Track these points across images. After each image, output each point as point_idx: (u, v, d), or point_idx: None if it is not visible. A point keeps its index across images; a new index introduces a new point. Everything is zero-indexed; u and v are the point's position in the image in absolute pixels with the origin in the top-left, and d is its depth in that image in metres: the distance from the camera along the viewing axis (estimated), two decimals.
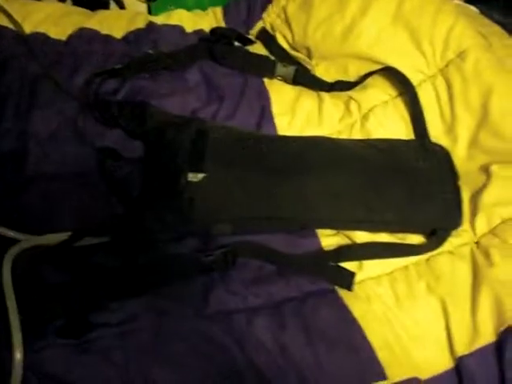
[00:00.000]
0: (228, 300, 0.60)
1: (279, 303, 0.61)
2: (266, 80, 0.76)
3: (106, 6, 0.87)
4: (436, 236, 0.64)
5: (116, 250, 0.62)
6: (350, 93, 0.74)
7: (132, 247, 0.62)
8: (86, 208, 0.64)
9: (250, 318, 0.59)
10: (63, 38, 0.77)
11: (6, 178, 0.65)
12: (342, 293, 0.63)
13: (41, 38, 0.76)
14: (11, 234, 0.60)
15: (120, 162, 0.67)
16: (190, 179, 0.62)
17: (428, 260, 0.63)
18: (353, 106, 0.74)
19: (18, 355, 0.54)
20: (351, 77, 0.75)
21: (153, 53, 0.76)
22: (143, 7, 0.87)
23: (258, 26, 0.83)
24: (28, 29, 0.76)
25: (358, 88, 0.74)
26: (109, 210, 0.64)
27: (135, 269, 0.61)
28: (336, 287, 0.63)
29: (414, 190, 0.66)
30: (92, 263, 0.61)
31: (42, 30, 0.77)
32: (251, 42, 0.81)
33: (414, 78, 0.71)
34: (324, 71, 0.77)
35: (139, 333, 0.58)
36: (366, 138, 0.72)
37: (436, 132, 0.70)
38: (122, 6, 0.87)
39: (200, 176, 0.62)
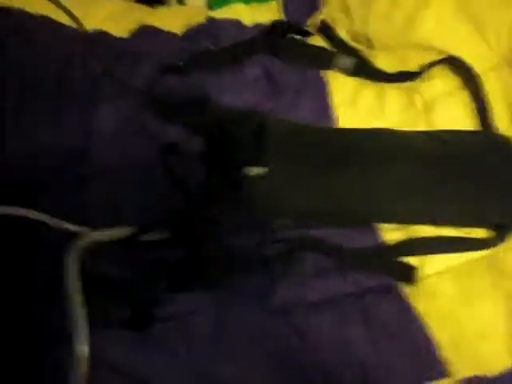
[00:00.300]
0: (290, 294, 0.60)
1: (339, 298, 0.61)
2: (326, 72, 0.75)
3: (165, 2, 0.87)
4: (502, 231, 0.62)
5: (178, 245, 0.62)
6: (412, 84, 0.73)
7: (194, 241, 0.62)
8: (148, 203, 0.65)
9: (312, 313, 0.60)
10: (124, 35, 0.78)
11: (70, 173, 0.66)
12: (405, 289, 0.62)
13: (102, 36, 0.77)
14: (75, 228, 0.61)
15: (182, 157, 0.67)
16: (251, 173, 0.62)
17: (493, 255, 0.62)
18: (416, 97, 0.72)
19: (85, 349, 0.55)
20: (413, 68, 0.74)
21: (213, 48, 0.76)
22: (202, 1, 0.88)
23: (318, 17, 0.82)
24: (89, 26, 0.77)
25: (420, 79, 0.72)
26: (171, 205, 0.64)
27: (197, 261, 0.61)
28: (398, 283, 0.62)
29: (481, 182, 0.65)
30: (153, 258, 0.61)
31: (103, 27, 0.77)
32: (311, 35, 0.80)
33: (479, 68, 0.69)
34: (385, 62, 0.76)
35: (201, 325, 0.59)
36: (429, 129, 0.70)
37: (502, 123, 0.68)
38: (181, 1, 0.88)
39: (261, 170, 0.62)
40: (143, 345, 0.58)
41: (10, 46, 0.70)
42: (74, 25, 0.76)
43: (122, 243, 0.61)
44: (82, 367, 0.54)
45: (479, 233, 0.64)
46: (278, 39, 0.77)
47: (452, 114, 0.70)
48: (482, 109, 0.69)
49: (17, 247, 0.62)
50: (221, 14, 0.83)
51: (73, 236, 0.61)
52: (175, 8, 0.86)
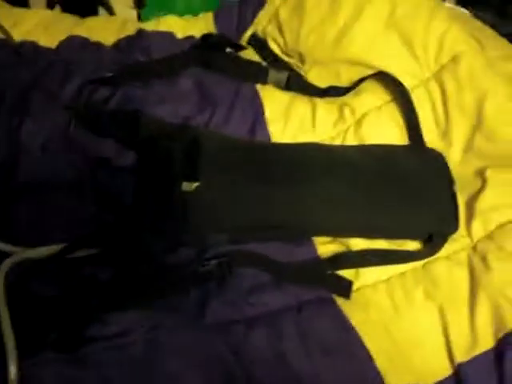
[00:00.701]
0: (225, 310, 0.60)
1: (276, 313, 0.60)
2: (258, 86, 0.76)
3: (95, 13, 0.85)
4: (433, 242, 0.63)
5: (108, 261, 0.60)
6: (343, 98, 0.74)
7: (124, 257, 0.60)
8: (77, 219, 0.63)
9: (247, 329, 0.58)
10: (53, 45, 0.76)
11: None
12: (340, 301, 0.62)
13: (31, 47, 0.75)
14: (2, 246, 0.59)
15: (112, 171, 0.66)
16: (184, 188, 0.61)
17: (425, 266, 0.63)
18: (346, 111, 0.73)
19: (13, 370, 0.53)
20: (344, 82, 0.75)
21: (144, 60, 0.75)
22: (133, 13, 0.87)
23: (250, 31, 0.82)
24: (17, 37, 0.75)
25: (351, 93, 0.73)
26: (101, 221, 0.63)
27: (128, 280, 0.60)
28: (333, 295, 0.62)
29: (409, 195, 0.66)
30: (83, 275, 0.60)
31: (31, 38, 0.76)
32: (243, 48, 0.80)
33: (408, 83, 0.71)
34: (317, 76, 0.76)
35: (134, 346, 0.57)
36: (360, 143, 0.72)
37: (431, 137, 0.70)
38: (111, 13, 0.86)
39: (194, 185, 0.61)
40: (74, 367, 0.56)
41: None
42: (1, 35, 0.74)
43: (50, 261, 0.59)
44: None
45: (411, 245, 0.65)
46: (210, 52, 0.77)
47: (382, 128, 0.72)
48: (411, 123, 0.70)
49: None
50: (152, 26, 0.82)
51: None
52: (105, 19, 0.85)
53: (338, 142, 0.72)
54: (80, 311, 0.57)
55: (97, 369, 0.55)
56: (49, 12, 0.84)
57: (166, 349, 0.57)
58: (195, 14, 0.86)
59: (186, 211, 0.61)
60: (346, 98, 0.74)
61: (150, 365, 0.56)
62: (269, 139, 0.71)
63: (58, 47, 0.76)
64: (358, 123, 0.73)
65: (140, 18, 0.87)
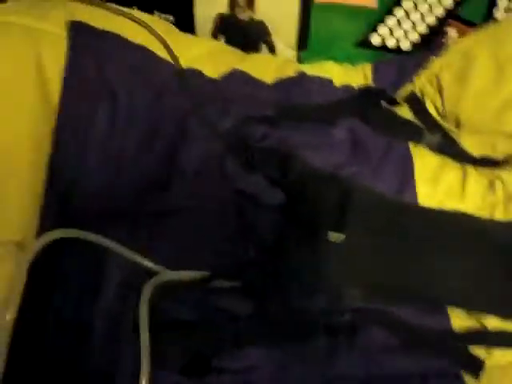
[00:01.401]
0: (350, 366, 0.59)
1: (401, 377, 0.60)
2: (410, 145, 0.75)
3: (257, 49, 0.88)
4: None
5: (245, 296, 0.61)
6: (496, 171, 0.72)
7: (261, 295, 0.61)
8: (220, 249, 0.65)
9: None
10: (216, 76, 0.78)
11: (148, 209, 0.66)
12: (466, 378, 0.60)
13: (195, 74, 0.77)
14: (149, 264, 0.61)
15: (257, 207, 0.67)
16: (329, 238, 0.61)
17: None
18: (498, 185, 0.71)
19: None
20: (499, 154, 0.73)
21: (302, 104, 0.76)
22: (293, 55, 0.88)
23: (407, 88, 0.82)
24: (184, 63, 0.78)
25: (505, 168, 0.71)
26: (244, 254, 0.64)
27: (262, 318, 0.60)
28: (462, 372, 0.60)
29: None
30: (219, 306, 0.61)
31: (197, 66, 0.78)
32: (398, 104, 0.80)
33: None
34: (471, 144, 0.75)
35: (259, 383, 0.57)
36: (508, 220, 0.69)
37: None
38: (272, 51, 0.89)
39: (340, 236, 0.61)
40: None
41: (107, 71, 0.71)
42: (170, 59, 0.77)
43: (192, 286, 0.60)
44: None
45: None
46: (366, 104, 0.77)
47: None
48: None
49: (82, 272, 0.62)
50: (312, 70, 0.83)
51: (138, 270, 0.60)
52: (266, 57, 0.87)
53: (484, 214, 0.70)
54: (213, 341, 0.58)
55: None
56: (215, 42, 0.87)
57: None
58: (353, 62, 0.87)
59: (327, 260, 0.61)
60: (499, 172, 0.72)
61: None
62: (416, 201, 0.70)
63: (220, 79, 0.78)
64: (508, 199, 0.71)
65: (299, 60, 0.89)
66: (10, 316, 0.55)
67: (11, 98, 0.65)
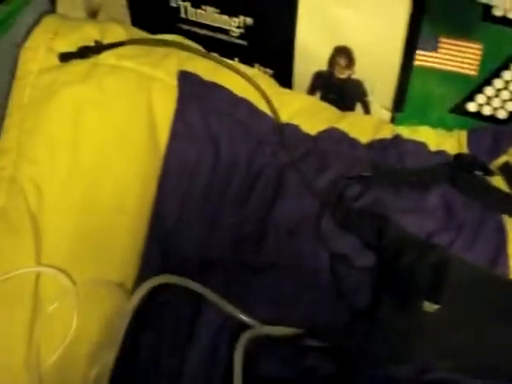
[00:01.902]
0: None
1: None
2: (506, 218, 0.75)
3: (352, 108, 0.89)
4: None
5: (334, 358, 0.62)
6: None
7: (350, 358, 0.61)
8: (312, 307, 0.65)
9: None
10: (312, 133, 0.80)
11: (242, 261, 0.68)
12: None
13: (293, 130, 0.79)
14: (244, 317, 0.62)
15: (350, 269, 0.68)
16: (426, 308, 0.61)
17: None
18: None
19: None
20: None
21: (398, 167, 0.77)
22: (387, 115, 0.89)
23: (502, 159, 0.82)
24: (283, 118, 0.80)
25: None
26: (335, 315, 0.65)
27: (349, 380, 0.61)
28: None
29: None
30: (308, 365, 0.61)
31: (295, 121, 0.80)
32: (492, 174, 0.80)
33: None
34: None
35: None
36: None
37: None
38: (367, 111, 0.90)
39: (434, 307, 0.61)
40: None
41: (211, 121, 0.73)
42: (270, 113, 0.79)
43: (283, 342, 0.61)
44: None
45: None
46: (460, 172, 0.77)
47: None
48: None
49: (178, 319, 0.63)
50: (407, 132, 0.84)
51: (232, 323, 0.62)
52: (364, 117, 0.88)
53: None
54: None
55: None
56: (313, 99, 0.89)
57: None
58: (448, 128, 0.87)
59: (420, 330, 0.61)
60: None
61: None
62: (508, 274, 0.70)
63: (317, 136, 0.80)
64: None
65: (393, 122, 0.90)
66: (112, 355, 0.57)
67: (124, 138, 0.69)
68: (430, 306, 0.62)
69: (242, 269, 0.67)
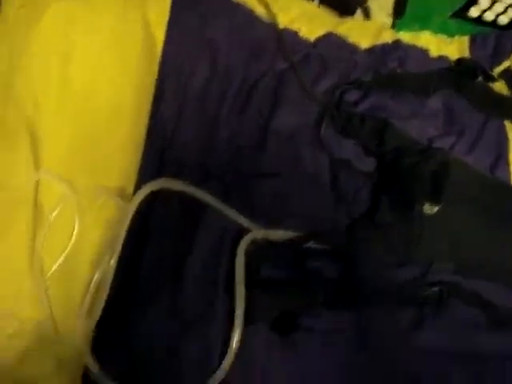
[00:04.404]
0: (435, 339, 0.60)
1: (482, 356, 0.60)
2: (506, 123, 0.74)
3: (352, 13, 0.87)
4: None
5: (336, 261, 0.62)
6: None
7: (353, 261, 0.62)
8: (313, 212, 0.65)
9: (451, 363, 0.59)
10: (311, 38, 0.78)
11: (242, 169, 0.67)
12: None
13: (292, 35, 0.77)
14: (245, 223, 0.62)
15: (351, 174, 0.67)
16: (426, 211, 0.61)
17: None
18: None
19: (236, 338, 0.57)
20: None
21: (399, 72, 0.76)
22: (388, 21, 0.87)
23: (504, 64, 0.80)
24: (281, 24, 0.77)
25: None
26: (335, 218, 0.65)
27: (352, 282, 0.61)
28: None
29: None
30: (310, 267, 0.62)
31: (294, 27, 0.78)
32: (494, 80, 0.79)
33: None
34: None
35: (342, 347, 0.59)
36: None
37: None
38: (368, 16, 0.88)
39: (435, 209, 0.62)
40: (283, 349, 0.59)
41: (208, 29, 0.71)
42: (267, 19, 0.77)
43: (284, 246, 0.61)
44: (231, 355, 0.56)
45: None
46: (462, 77, 0.76)
47: None
48: None
49: (178, 223, 0.63)
50: (408, 38, 0.82)
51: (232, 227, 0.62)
52: (363, 22, 0.86)
53: None
54: (302, 300, 0.60)
55: (303, 359, 0.58)
56: (312, 5, 0.86)
57: (374, 360, 0.58)
58: (450, 33, 0.85)
59: (421, 232, 0.61)
60: None
61: (354, 369, 0.57)
62: (508, 179, 0.70)
63: (316, 41, 0.78)
64: None
65: (394, 28, 0.87)
66: (113, 261, 0.57)
67: (119, 44, 0.67)
68: (430, 208, 0.62)
69: (241, 178, 0.67)
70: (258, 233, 0.61)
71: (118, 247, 0.59)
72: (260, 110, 0.70)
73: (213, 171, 0.66)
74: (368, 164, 0.68)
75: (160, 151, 0.66)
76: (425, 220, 0.62)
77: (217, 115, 0.68)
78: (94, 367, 0.57)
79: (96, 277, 0.59)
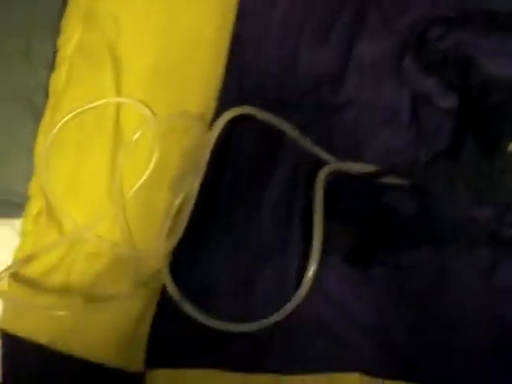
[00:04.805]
0: None
1: None
2: None
3: None
4: None
5: (414, 197, 0.61)
6: None
7: (431, 197, 0.61)
8: (391, 146, 0.65)
9: None
10: None
11: (321, 99, 0.67)
12: None
13: None
14: (323, 155, 0.62)
15: (432, 109, 0.66)
16: (508, 147, 0.60)
17: None
18: None
19: (314, 269, 0.57)
20: None
21: (485, 8, 0.73)
22: None
23: None
24: None
25: None
26: (413, 154, 0.64)
27: (429, 220, 0.60)
28: None
29: None
30: (388, 202, 0.61)
31: None
32: None
33: None
34: None
35: (416, 285, 0.60)
36: None
37: None
38: None
39: None
40: (357, 283, 0.60)
41: None
42: None
43: (362, 179, 0.61)
44: (307, 285, 0.56)
45: None
46: None
47: None
48: None
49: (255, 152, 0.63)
50: None
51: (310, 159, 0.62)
52: None
53: None
54: (379, 234, 0.59)
55: (377, 293, 0.59)
56: None
57: (447, 300, 0.59)
58: None
59: (505, 171, 0.60)
60: None
61: (426, 310, 0.58)
62: None
63: None
64: None
65: None
66: (195, 185, 0.58)
67: None
68: None
69: (320, 109, 0.66)
70: (336, 165, 0.61)
71: (201, 172, 0.59)
72: (341, 41, 0.68)
73: (292, 101, 0.66)
74: (451, 100, 0.66)
75: (240, 78, 0.66)
76: (509, 159, 0.60)
77: (297, 44, 0.67)
78: (173, 289, 0.58)
79: (177, 200, 0.59)
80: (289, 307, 0.57)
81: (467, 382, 0.58)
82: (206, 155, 0.60)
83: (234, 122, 0.63)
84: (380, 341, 0.59)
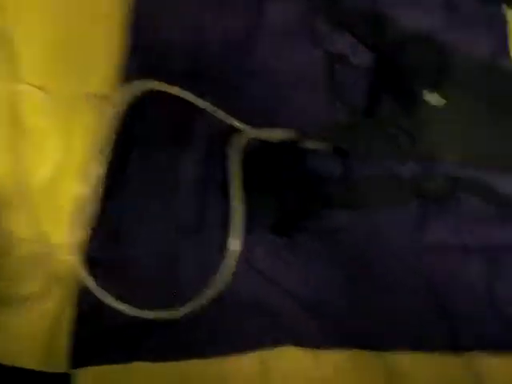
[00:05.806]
0: (443, 233, 0.58)
1: (495, 248, 0.58)
2: (506, 10, 0.70)
3: None
4: None
5: (336, 160, 0.59)
6: None
7: (352, 158, 0.59)
8: (308, 109, 0.62)
9: (463, 258, 0.57)
10: None
11: (232, 67, 0.64)
12: None
13: None
14: (237, 124, 0.59)
15: (347, 69, 0.64)
16: (426, 99, 0.58)
17: None
18: None
19: (238, 244, 0.55)
20: None
21: None
22: None
23: None
24: None
25: None
26: (331, 115, 0.62)
27: (352, 181, 0.59)
28: None
29: None
30: (308, 167, 0.59)
31: None
32: None
33: None
34: None
35: (344, 246, 0.58)
36: None
37: None
38: None
39: (437, 99, 0.58)
40: (285, 252, 0.58)
41: None
42: None
43: (281, 146, 0.58)
44: (231, 261, 0.54)
45: None
46: None
47: None
48: None
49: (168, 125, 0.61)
50: None
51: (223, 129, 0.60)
52: None
53: None
54: (303, 201, 0.57)
55: (305, 258, 0.58)
56: None
57: (376, 255, 0.58)
58: None
59: (422, 123, 0.58)
60: None
61: (358, 267, 0.57)
62: (510, 66, 0.66)
63: None
64: None
65: None
66: (102, 169, 0.55)
67: None
68: (433, 98, 0.58)
69: (231, 77, 0.63)
70: (250, 132, 0.58)
71: (105, 154, 0.55)
72: (248, 3, 0.65)
73: (200, 71, 0.62)
74: (365, 58, 0.64)
75: (142, 53, 0.62)
76: (428, 111, 0.59)
77: (201, 11, 0.64)
78: (89, 280, 0.54)
79: (85, 189, 0.56)
80: (211, 290, 0.54)
81: (405, 343, 0.55)
82: (108, 133, 0.56)
83: (142, 100, 0.59)
84: (315, 310, 0.57)
